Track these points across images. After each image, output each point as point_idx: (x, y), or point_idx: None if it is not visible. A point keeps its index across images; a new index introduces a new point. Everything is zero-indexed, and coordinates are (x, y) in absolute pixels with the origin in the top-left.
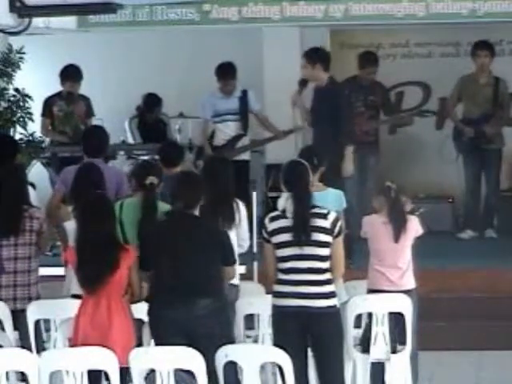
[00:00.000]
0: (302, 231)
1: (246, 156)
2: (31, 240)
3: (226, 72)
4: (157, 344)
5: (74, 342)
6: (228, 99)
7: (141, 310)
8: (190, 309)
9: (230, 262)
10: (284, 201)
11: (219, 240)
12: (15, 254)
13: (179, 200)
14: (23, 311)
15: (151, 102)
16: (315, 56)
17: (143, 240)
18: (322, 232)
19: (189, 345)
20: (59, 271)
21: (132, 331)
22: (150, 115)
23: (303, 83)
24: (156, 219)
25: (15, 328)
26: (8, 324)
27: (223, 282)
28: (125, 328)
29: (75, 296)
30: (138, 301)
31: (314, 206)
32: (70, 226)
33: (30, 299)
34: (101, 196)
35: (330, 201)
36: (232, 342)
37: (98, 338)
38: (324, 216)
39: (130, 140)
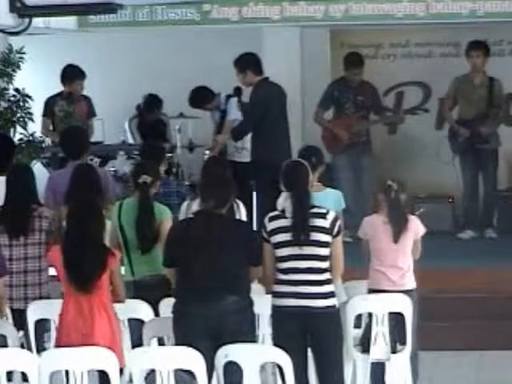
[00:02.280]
0: (301, 231)
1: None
2: (41, 239)
3: (197, 104)
4: (178, 343)
5: (58, 343)
6: (215, 113)
7: (141, 311)
8: (219, 304)
9: (256, 261)
10: (283, 200)
11: (248, 240)
12: (25, 253)
13: (209, 200)
14: None
15: (151, 102)
16: (243, 63)
17: (169, 238)
18: (321, 232)
19: (212, 342)
20: None
21: (116, 332)
22: (150, 115)
23: (237, 91)
24: (154, 218)
25: (21, 328)
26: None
27: (249, 281)
28: (107, 329)
29: None
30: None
31: (314, 206)
32: None
33: (40, 298)
34: (89, 198)
35: (328, 201)
36: (255, 341)
37: (80, 339)
38: (323, 216)
39: (130, 140)
